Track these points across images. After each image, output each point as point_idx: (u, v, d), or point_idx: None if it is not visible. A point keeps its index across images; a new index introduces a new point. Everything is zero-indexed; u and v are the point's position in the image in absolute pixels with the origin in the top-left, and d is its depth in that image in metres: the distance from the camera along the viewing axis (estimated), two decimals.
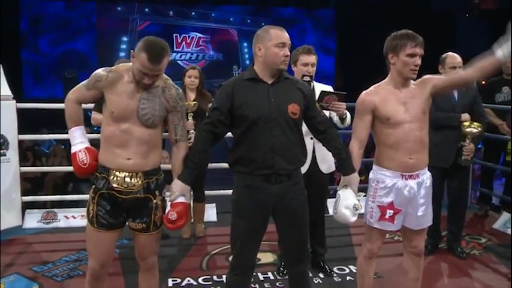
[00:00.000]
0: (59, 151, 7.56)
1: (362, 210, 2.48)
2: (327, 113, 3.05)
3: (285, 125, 2.30)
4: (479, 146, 5.04)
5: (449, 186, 3.79)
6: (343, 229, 4.06)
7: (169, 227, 2.28)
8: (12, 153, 4.18)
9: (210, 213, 4.59)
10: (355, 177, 2.43)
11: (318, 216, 3.34)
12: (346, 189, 2.42)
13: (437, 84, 2.49)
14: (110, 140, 2.27)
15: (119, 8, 14.51)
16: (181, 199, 2.27)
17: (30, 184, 6.62)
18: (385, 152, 2.50)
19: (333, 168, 3.38)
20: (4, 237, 3.98)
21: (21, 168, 4.45)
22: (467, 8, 12.31)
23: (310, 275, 3.16)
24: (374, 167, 2.58)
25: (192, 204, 4.06)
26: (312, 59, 3.22)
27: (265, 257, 3.64)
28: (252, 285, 3.17)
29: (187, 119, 3.49)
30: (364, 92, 2.54)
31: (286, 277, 2.67)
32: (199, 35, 15.17)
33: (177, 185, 2.28)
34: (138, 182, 2.27)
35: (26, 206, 4.65)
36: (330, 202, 4.04)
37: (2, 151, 4.09)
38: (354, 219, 2.39)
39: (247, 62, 14.76)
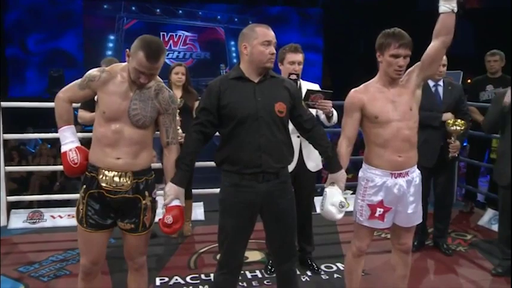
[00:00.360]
0: (45, 150, 7.50)
1: (349, 208, 2.49)
2: (313, 111, 3.06)
3: (272, 124, 2.30)
4: (464, 144, 5.11)
5: (436, 183, 3.83)
6: (330, 227, 4.08)
7: (166, 231, 2.27)
8: None
9: (198, 212, 4.59)
10: (342, 174, 2.44)
11: (305, 214, 3.36)
12: (333, 186, 2.43)
13: (420, 66, 2.47)
14: (100, 140, 2.26)
15: (105, 6, 14.41)
16: (176, 202, 2.26)
17: (16, 184, 6.56)
18: (374, 151, 2.51)
19: (320, 167, 3.39)
20: None
21: (7, 168, 4.41)
22: None
23: (298, 272, 3.17)
24: (363, 165, 2.59)
25: None
26: (299, 57, 3.22)
27: (253, 255, 3.65)
28: (240, 284, 3.17)
29: None
30: (353, 89, 2.55)
31: (274, 275, 2.68)
32: (186, 33, 15.14)
33: (171, 188, 2.26)
34: (127, 181, 2.26)
35: (12, 206, 4.61)
36: (317, 200, 4.06)
37: None
38: (340, 216, 2.41)
39: (235, 60, 14.75)
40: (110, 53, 13.74)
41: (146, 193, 2.32)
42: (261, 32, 2.31)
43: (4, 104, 4.21)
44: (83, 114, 3.50)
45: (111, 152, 2.24)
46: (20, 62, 13.68)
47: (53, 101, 2.35)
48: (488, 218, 4.51)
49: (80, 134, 3.55)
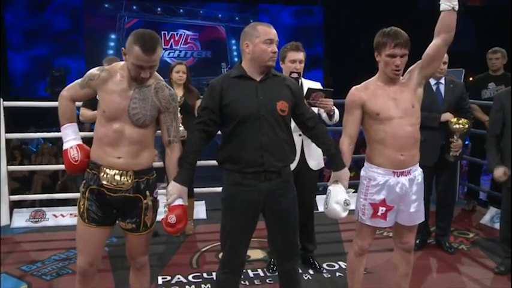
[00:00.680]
0: (47, 149, 7.51)
1: (352, 206, 2.49)
2: (315, 109, 3.06)
3: (274, 123, 2.30)
4: (466, 142, 5.10)
5: (438, 182, 3.82)
6: (332, 225, 4.09)
7: (169, 231, 2.25)
8: None
9: (200, 210, 4.60)
10: (345, 172, 2.44)
11: (307, 213, 3.35)
12: (336, 184, 2.43)
13: (421, 64, 2.46)
14: (101, 139, 2.26)
15: (106, 5, 14.42)
16: (179, 201, 2.25)
17: (18, 183, 6.58)
18: (376, 149, 2.50)
19: (322, 165, 3.39)
20: None
21: (9, 167, 4.41)
22: None
23: (300, 271, 3.17)
24: (365, 164, 2.58)
25: None
26: (300, 55, 3.21)
27: (255, 254, 3.65)
28: (242, 282, 3.18)
29: None
30: (354, 87, 2.54)
31: (276, 274, 2.68)
32: (187, 32, 15.13)
33: (173, 187, 2.25)
34: (128, 180, 2.25)
35: (14, 205, 4.62)
36: (319, 199, 4.07)
37: None
38: (344, 214, 2.41)
39: (236, 59, 14.75)
40: (111, 52, 13.75)
41: (147, 193, 2.31)
42: (263, 30, 2.30)
43: (6, 103, 4.22)
44: (85, 112, 3.54)
45: (112, 151, 2.23)
46: (22, 61, 13.68)
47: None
48: (491, 216, 4.51)
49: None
